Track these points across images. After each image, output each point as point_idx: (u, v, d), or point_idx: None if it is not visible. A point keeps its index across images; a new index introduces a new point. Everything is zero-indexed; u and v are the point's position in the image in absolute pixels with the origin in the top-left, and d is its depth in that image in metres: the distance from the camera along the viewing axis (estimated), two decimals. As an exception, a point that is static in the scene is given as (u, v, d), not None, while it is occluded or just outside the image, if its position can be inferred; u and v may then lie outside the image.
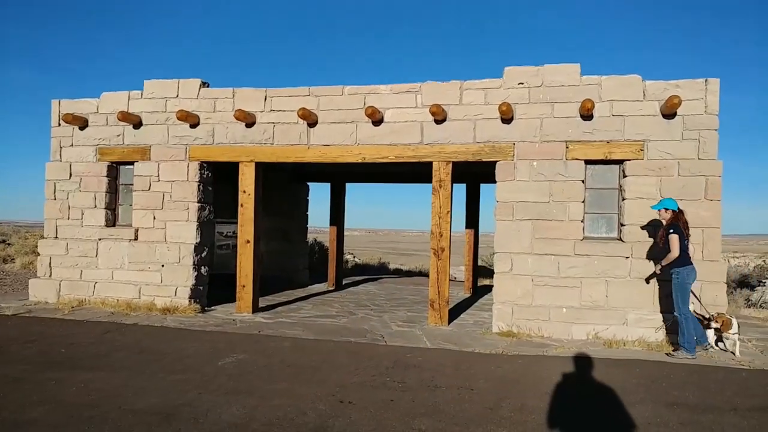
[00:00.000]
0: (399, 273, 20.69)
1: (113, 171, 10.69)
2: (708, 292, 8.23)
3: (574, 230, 8.68)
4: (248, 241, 9.98)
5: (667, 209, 7.74)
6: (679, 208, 7.74)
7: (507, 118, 8.95)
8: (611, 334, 8.40)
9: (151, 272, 10.22)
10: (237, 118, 9.69)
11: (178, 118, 9.87)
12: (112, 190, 10.69)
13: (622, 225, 8.62)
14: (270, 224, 14.48)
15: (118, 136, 10.51)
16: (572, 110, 8.73)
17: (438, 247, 9.25)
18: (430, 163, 9.32)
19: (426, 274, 20.97)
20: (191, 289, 10.02)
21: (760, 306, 18.21)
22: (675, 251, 7.47)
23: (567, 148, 8.75)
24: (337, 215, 14.21)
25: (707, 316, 7.88)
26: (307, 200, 14.96)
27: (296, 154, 9.77)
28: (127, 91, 10.54)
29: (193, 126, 10.18)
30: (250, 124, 9.96)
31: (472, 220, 13.83)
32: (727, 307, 8.27)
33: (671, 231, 7.53)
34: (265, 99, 9.94)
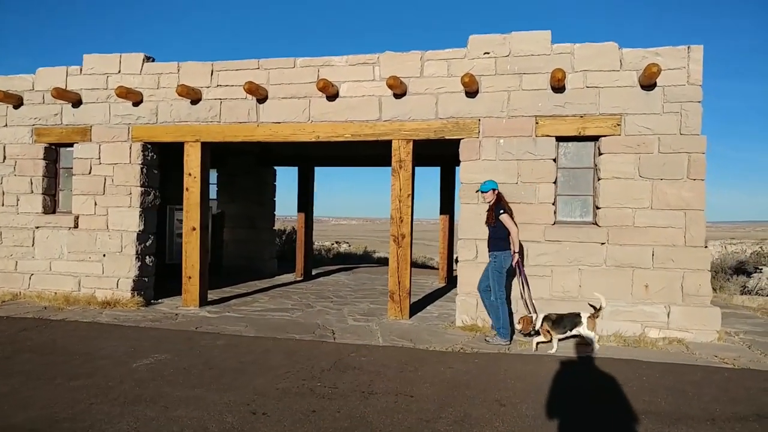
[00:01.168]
0: (382, 262, 19.93)
1: (52, 153, 9.87)
2: (691, 282, 7.47)
3: (544, 214, 7.91)
4: (194, 228, 9.19)
5: (494, 190, 7.40)
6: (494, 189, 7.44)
7: (471, 92, 8.14)
8: (584, 327, 7.64)
9: (91, 263, 9.44)
10: (180, 94, 8.86)
11: (118, 95, 9.04)
12: (51, 174, 9.88)
13: (598, 208, 7.84)
14: (235, 210, 13.70)
15: (56, 115, 9.68)
16: (542, 82, 7.92)
17: (398, 234, 8.47)
18: (391, 143, 8.52)
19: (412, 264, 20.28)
20: (134, 280, 9.24)
21: (756, 293, 17.57)
22: (514, 228, 7.09)
23: (536, 123, 7.95)
24: (305, 201, 13.41)
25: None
26: (274, 185, 14.16)
27: (244, 132, 8.96)
28: (65, 66, 9.70)
29: (136, 104, 9.36)
30: (195, 101, 9.14)
31: (447, 205, 13.07)
32: (711, 297, 7.52)
33: (501, 212, 7.18)
34: (212, 74, 9.11)
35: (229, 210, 13.71)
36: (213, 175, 14.11)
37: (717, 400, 5.06)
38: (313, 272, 14.55)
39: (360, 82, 8.58)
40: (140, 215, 9.31)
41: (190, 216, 9.22)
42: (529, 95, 7.99)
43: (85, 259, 9.46)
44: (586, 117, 7.80)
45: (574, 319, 6.93)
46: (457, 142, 8.27)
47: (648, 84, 7.59)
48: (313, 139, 8.72)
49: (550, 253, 7.85)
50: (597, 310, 6.96)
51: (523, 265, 7.57)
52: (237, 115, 9.00)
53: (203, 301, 9.32)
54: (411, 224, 8.57)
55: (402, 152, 8.44)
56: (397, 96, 8.42)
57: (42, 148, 9.71)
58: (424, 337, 7.38)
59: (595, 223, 7.89)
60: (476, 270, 8.07)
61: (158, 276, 10.71)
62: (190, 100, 9.12)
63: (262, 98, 8.87)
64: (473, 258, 8.11)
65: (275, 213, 14.15)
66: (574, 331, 6.92)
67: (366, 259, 21.01)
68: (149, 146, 9.47)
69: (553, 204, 7.94)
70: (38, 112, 9.75)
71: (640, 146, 7.64)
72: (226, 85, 8.99)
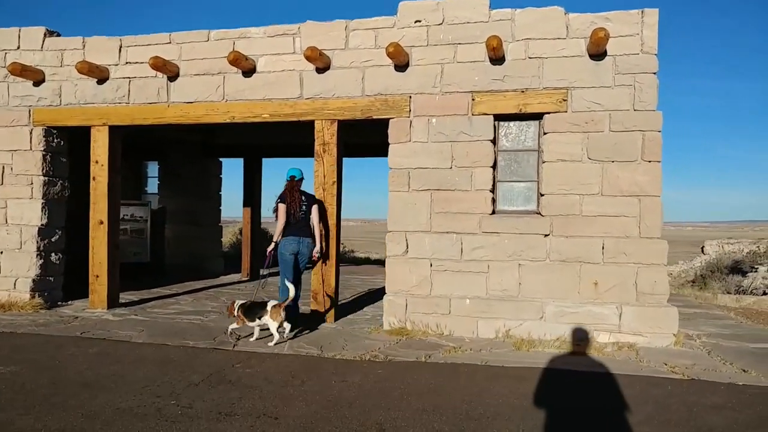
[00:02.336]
0: (358, 262, 18.95)
1: (-51, 140, 8.91)
2: (645, 278, 6.53)
3: (481, 202, 6.96)
4: (101, 222, 8.24)
5: (293, 177, 7.22)
6: (293, 176, 7.25)
7: (400, 65, 7.20)
8: (525, 331, 6.70)
9: (-11, 260, 8.50)
10: (82, 72, 7.91)
11: (12, 72, 8.10)
12: (-51, 162, 8.92)
13: (541, 195, 6.90)
14: (177, 206, 12.76)
15: (-49, 97, 8.74)
16: (479, 53, 6.98)
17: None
18: (314, 124, 7.57)
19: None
20: (34, 280, 8.29)
21: (750, 292, 16.65)
22: (278, 221, 7.09)
23: (473, 100, 7.01)
24: (251, 195, 12.46)
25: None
26: (220, 178, 13.20)
27: (154, 114, 8.01)
28: (-37, 42, 8.76)
29: (37, 84, 8.41)
30: (102, 80, 8.19)
31: (250, 198, 12.59)
32: (668, 295, 6.58)
33: (279, 200, 7.09)
34: (120, 49, 8.16)
35: (171, 205, 12.76)
36: (154, 168, 13.18)
37: (649, 421, 4.11)
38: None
39: (279, 56, 7.63)
40: (43, 208, 8.37)
41: (97, 208, 8.26)
42: (464, 68, 7.05)
43: (-18, 256, 8.51)
44: (528, 92, 6.86)
45: (263, 308, 6.40)
46: (384, 122, 7.33)
47: (597, 53, 6.65)
48: (228, 120, 7.77)
49: (487, 247, 6.91)
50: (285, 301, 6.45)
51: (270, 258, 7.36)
52: (147, 95, 8.05)
53: (113, 303, 8.36)
54: (338, 216, 7.62)
55: (326, 134, 7.50)
56: (320, 71, 7.48)
57: (-64, 133, 8.76)
58: (339, 343, 6.44)
59: (539, 213, 6.95)
60: (406, 266, 7.13)
61: (83, 275, 9.89)
62: (96, 80, 8.18)
63: (172, 75, 7.93)
64: (403, 253, 7.17)
65: (221, 208, 13.20)
66: (263, 320, 6.39)
67: (343, 259, 20.00)
68: (54, 131, 8.53)
69: (492, 191, 7.00)
70: (-67, 94, 8.81)
71: (589, 124, 6.70)
72: (136, 62, 8.04)
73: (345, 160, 8.23)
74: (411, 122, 7.18)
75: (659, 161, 6.57)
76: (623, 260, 6.59)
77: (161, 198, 12.90)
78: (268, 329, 6.42)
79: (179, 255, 12.71)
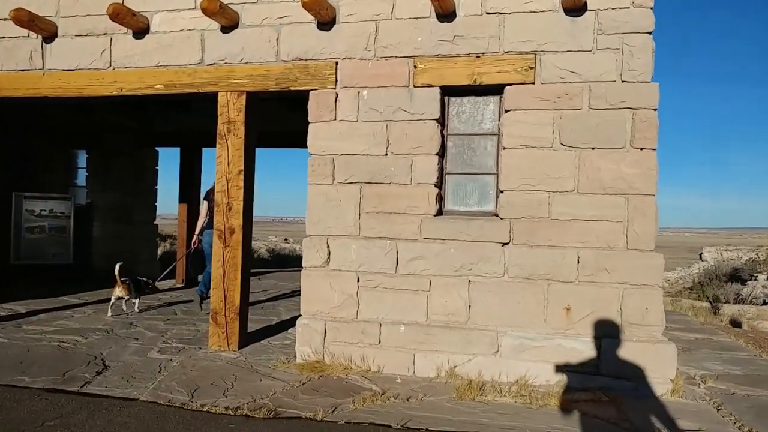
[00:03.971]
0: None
1: None
2: (634, 304, 4.93)
3: (422, 200, 5.37)
4: (-36, 217, 6.67)
5: None
6: None
7: (325, 21, 5.61)
8: (475, 369, 5.11)
9: None
10: (-65, 29, 6.35)
11: None
12: None
13: (501, 191, 5.31)
14: (108, 201, 11.16)
15: None
16: (423, 6, 5.39)
17: (225, 227, 5.93)
18: (217, 97, 5.99)
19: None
20: None
21: (750, 302, 15.24)
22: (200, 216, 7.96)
23: (415, 68, 5.42)
24: (188, 189, 10.85)
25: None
26: (156, 170, 11.56)
27: (27, 84, 6.42)
28: None
29: None
30: (-35, 41, 6.62)
31: (188, 192, 11.00)
32: (663, 327, 4.97)
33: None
34: (-12, 3, 6.60)
35: (100, 200, 11.16)
36: (83, 158, 11.58)
37: None
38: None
39: (178, 12, 6.04)
40: None
41: (-41, 200, 6.69)
42: (404, 26, 5.46)
43: None
44: (484, 57, 5.27)
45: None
46: (305, 96, 5.75)
47: (573, 7, 5.06)
48: (115, 93, 6.18)
49: (429, 258, 5.31)
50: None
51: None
52: (17, 59, 6.47)
53: (-22, 317, 6.79)
54: (247, 214, 6.02)
55: (232, 109, 5.90)
56: (226, 30, 5.89)
57: None
58: (224, 384, 4.84)
59: (496, 214, 5.35)
60: (326, 281, 5.54)
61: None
62: (-41, 40, 6.61)
63: (49, 36, 6.35)
64: (323, 263, 5.57)
65: (156, 204, 11.58)
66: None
67: (287, 261, 18.46)
68: None
69: (438, 186, 5.41)
70: None
71: (562, 99, 5.11)
72: (5, 19, 6.45)
73: (294, 150, 6.68)
74: (337, 95, 5.59)
75: (654, 149, 4.97)
76: (605, 279, 4.99)
77: (90, 192, 11.29)
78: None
79: (108, 256, 11.08)
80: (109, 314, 7.52)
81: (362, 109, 5.52)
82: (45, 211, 10.54)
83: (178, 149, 10.96)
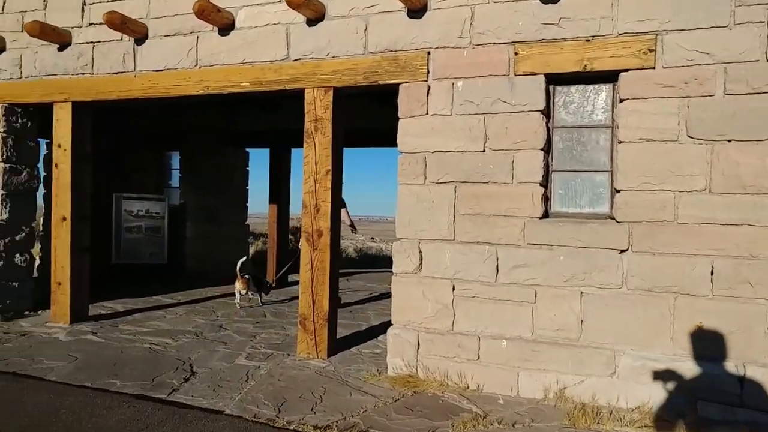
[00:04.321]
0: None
1: None
2: (779, 322, 4.19)
3: (526, 200, 4.85)
4: (64, 219, 6.79)
5: None
6: None
7: (416, 9, 5.18)
8: (588, 392, 4.54)
9: (-53, 262, 7.28)
10: (34, 35, 6.44)
11: (-38, 39, 6.80)
12: None
13: (617, 191, 4.69)
14: (198, 201, 11.30)
15: None
16: (526, -15, 4.85)
17: (313, 230, 5.65)
18: (303, 93, 5.71)
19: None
20: (-9, 286, 6.98)
21: None
22: None
23: (515, 54, 4.89)
24: (277, 190, 10.77)
25: None
26: (246, 170, 11.56)
27: (120, 86, 6.44)
28: (-73, 10, 7.58)
29: (-1, 53, 7.09)
30: (63, 46, 6.72)
31: (276, 192, 10.76)
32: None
33: None
34: (83, 7, 6.66)
35: (192, 201, 11.32)
36: (176, 159, 11.80)
37: None
38: (296, 277, 11.89)
39: (262, 6, 5.81)
40: (3, 200, 7.03)
41: (59, 201, 6.82)
42: (503, 10, 4.94)
43: (-59, 257, 7.31)
44: (595, 41, 4.66)
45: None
46: (395, 90, 5.36)
47: (705, -25, 4.36)
48: (201, 92, 6.05)
49: (534, 265, 4.78)
50: None
51: None
52: (111, 63, 6.50)
53: (78, 316, 6.89)
54: (335, 216, 5.72)
55: (319, 107, 5.61)
56: (311, 22, 5.60)
57: None
58: (313, 397, 4.55)
59: (612, 217, 4.74)
60: (418, 289, 5.14)
61: (101, 278, 9.18)
62: (57, 46, 6.73)
63: (140, 38, 6.32)
64: (414, 269, 5.17)
65: (247, 205, 11.58)
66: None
67: (374, 261, 18.12)
68: (18, 110, 7.17)
69: (543, 185, 4.86)
70: None
71: (690, 85, 4.42)
72: (100, 23, 6.47)
73: (384, 149, 6.36)
74: (429, 88, 5.16)
75: (808, 140, 4.20)
76: (747, 293, 4.27)
77: (182, 193, 11.49)
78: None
79: (200, 257, 11.26)
80: (238, 306, 8.25)
81: (457, 101, 5.06)
82: (142, 211, 10.80)
83: (268, 150, 10.90)
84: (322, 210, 5.62)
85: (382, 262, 17.35)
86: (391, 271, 5.34)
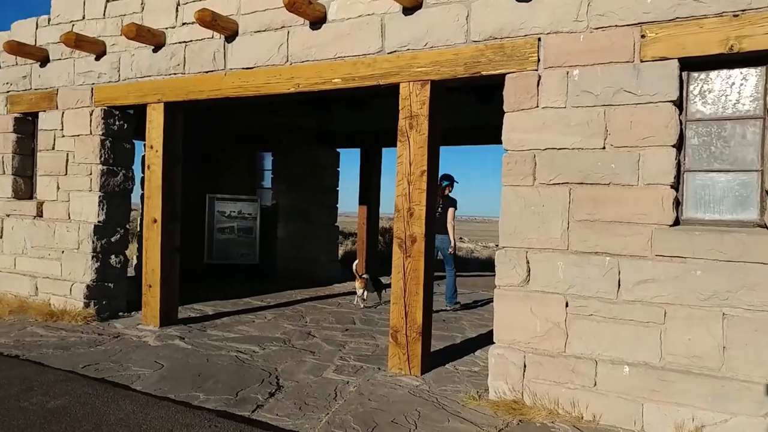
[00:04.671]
0: (486, 266, 16.23)
1: (26, 126, 8.04)
2: None
3: (654, 205, 4.18)
4: (155, 221, 6.75)
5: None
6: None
7: (525, -11, 4.65)
8: (732, 432, 3.82)
9: (50, 261, 7.44)
10: (130, 36, 6.40)
11: (65, 43, 6.89)
12: (26, 151, 8.07)
13: (768, 194, 3.94)
14: (289, 202, 11.20)
15: (25, 77, 7.86)
16: (656, -44, 4.19)
17: (406, 235, 5.22)
18: (398, 89, 5.30)
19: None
20: (88, 286, 7.04)
21: None
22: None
23: (642, 37, 4.24)
24: (368, 191, 10.48)
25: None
26: (337, 171, 11.31)
27: (209, 86, 6.30)
28: (35, 17, 7.84)
29: (98, 57, 7.17)
30: (157, 47, 6.69)
31: (366, 192, 10.75)
32: None
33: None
34: (177, 7, 6.59)
35: (283, 202, 11.23)
36: (268, 160, 11.77)
37: None
38: (385, 280, 11.53)
39: (356, -4, 5.47)
40: (101, 202, 7.10)
41: (151, 203, 6.79)
42: (629, -15, 4.30)
43: (45, 256, 7.50)
44: (746, 15, 3.94)
45: None
46: (498, 81, 4.83)
47: None
48: (292, 89, 5.78)
49: (663, 281, 4.10)
50: None
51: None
52: (202, 62, 6.38)
53: (168, 319, 6.84)
54: (429, 220, 5.26)
55: (414, 102, 5.18)
56: (408, 11, 5.18)
57: (12, 119, 7.93)
58: (406, 422, 4.11)
59: (763, 225, 3.98)
60: (526, 305, 4.58)
61: (192, 278, 9.40)
62: (152, 47, 6.71)
63: (230, 35, 6.15)
64: (521, 282, 4.61)
65: (338, 205, 11.35)
66: None
67: (489, 266, 17.40)
68: (116, 112, 7.24)
69: (675, 187, 4.18)
70: (10, 76, 8.02)
71: None
72: (192, 23, 6.37)
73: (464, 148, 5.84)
74: (539, 78, 4.60)
75: None
76: None
77: (274, 193, 11.43)
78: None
79: (287, 258, 11.15)
80: (361, 305, 8.58)
81: (572, 92, 4.47)
82: (234, 212, 10.83)
83: (354, 150, 10.64)
84: (416, 214, 5.17)
85: (473, 265, 16.75)
86: (485, 275, 4.82)
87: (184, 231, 7.24)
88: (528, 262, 4.61)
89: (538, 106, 4.61)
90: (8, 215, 7.93)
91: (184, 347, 5.93)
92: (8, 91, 8.03)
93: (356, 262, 8.67)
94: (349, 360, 5.65)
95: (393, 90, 5.36)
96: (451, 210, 8.17)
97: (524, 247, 4.63)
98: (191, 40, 6.44)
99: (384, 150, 10.57)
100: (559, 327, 4.45)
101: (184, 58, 6.49)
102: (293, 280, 10.60)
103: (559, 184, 4.52)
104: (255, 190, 11.76)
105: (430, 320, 5.37)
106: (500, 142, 4.85)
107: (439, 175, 6.88)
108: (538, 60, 4.63)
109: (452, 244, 8.25)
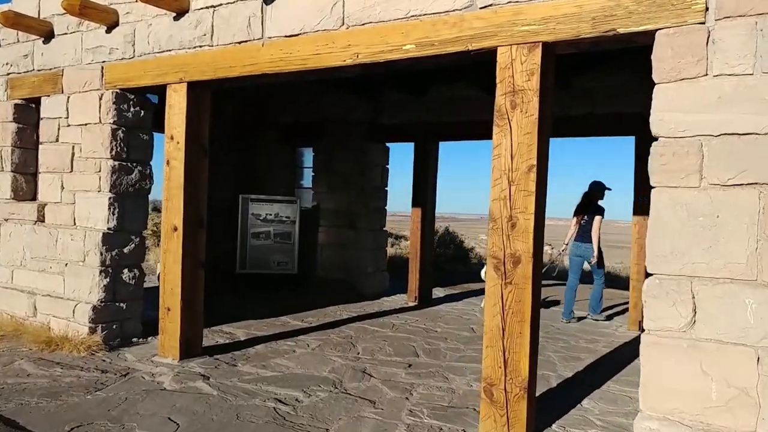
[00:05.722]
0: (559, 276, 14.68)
1: (29, 113, 6.87)
2: None
3: None
4: (175, 229, 5.49)
5: None
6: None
7: None
8: None
9: (51, 275, 6.27)
10: (149, 1, 5.21)
11: (68, 10, 5.65)
12: (28, 143, 6.91)
13: None
14: (331, 204, 9.91)
15: (26, 57, 6.69)
16: None
17: (506, 254, 3.85)
18: (494, 55, 3.94)
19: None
20: (95, 308, 5.81)
21: None
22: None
23: None
24: (422, 191, 9.11)
25: None
26: (386, 168, 9.92)
27: (243, 59, 5.01)
28: (39, -14, 6.67)
29: (110, 29, 5.95)
30: (179, 14, 5.43)
31: (422, 193, 9.22)
32: None
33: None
34: (203, -36, 5.34)
35: (325, 203, 9.95)
36: (309, 156, 10.49)
37: None
38: (442, 293, 10.20)
39: (435, -66, 4.12)
40: (111, 205, 5.89)
41: (171, 207, 5.54)
42: None
43: (46, 269, 6.32)
44: None
45: None
46: (645, 44, 3.44)
47: None
48: (349, 61, 4.46)
49: None
50: None
51: None
52: (234, 30, 5.10)
53: (191, 349, 5.57)
54: (538, 234, 3.88)
55: (518, 73, 3.80)
56: (510, -51, 3.81)
57: (11, 106, 6.78)
58: None
59: None
60: (692, 359, 3.17)
61: (222, 290, 8.58)
62: (173, 14, 5.46)
63: (269, -6, 4.87)
64: (683, 326, 3.20)
65: (386, 208, 9.99)
66: None
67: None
68: (130, 96, 6.03)
69: None
70: (11, 55, 6.87)
71: None
72: (222, -19, 5.11)
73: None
74: (709, 33, 3.19)
75: None
76: None
77: (315, 194, 10.14)
78: None
79: (329, 268, 9.86)
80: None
81: (762, 52, 3.05)
82: (271, 215, 9.59)
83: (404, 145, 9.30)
84: (520, 225, 3.80)
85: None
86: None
87: (213, 236, 6.00)
88: (694, 297, 3.20)
89: (707, 74, 3.21)
90: (6, 219, 6.78)
91: (208, 392, 4.64)
92: (8, 74, 6.88)
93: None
94: (422, 417, 4.29)
95: (484, 57, 4.00)
96: (597, 218, 7.90)
97: (687, 276, 3.22)
98: (220, 4, 5.17)
99: (441, 145, 9.21)
100: (747, 395, 3.04)
101: (212, 26, 5.22)
102: (336, 293, 9.31)
103: (742, 185, 3.10)
104: (293, 190, 10.51)
105: (536, 371, 3.98)
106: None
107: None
108: (706, 9, 3.22)
109: (594, 254, 7.90)
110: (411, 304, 9.10)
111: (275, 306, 8.23)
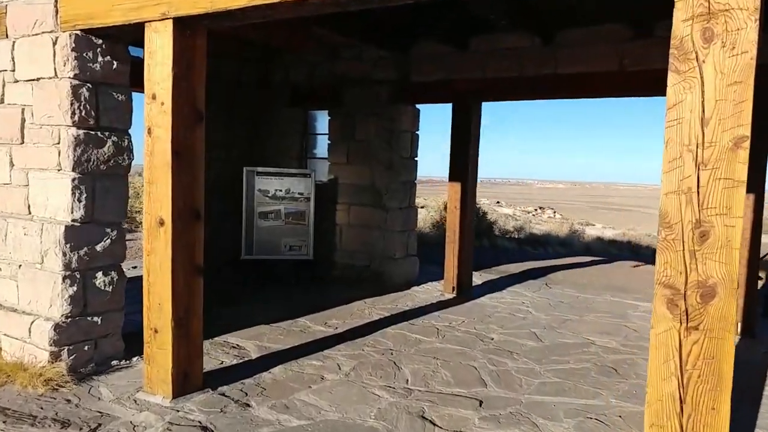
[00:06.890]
0: (598, 251, 13.31)
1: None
2: None
3: None
4: (162, 222, 4.00)
5: None
6: None
7: None
8: None
9: (2, 279, 4.81)
10: None
11: None
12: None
13: None
14: (351, 178, 8.38)
15: (-38, -9, 5.11)
16: None
17: (688, 282, 2.37)
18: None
19: (647, 251, 13.36)
20: (58, 326, 4.35)
21: None
22: None
23: None
24: (461, 161, 7.58)
25: None
26: (416, 135, 8.35)
27: (251, -19, 3.45)
28: None
29: (66, -52, 4.36)
30: None
31: (461, 166, 7.66)
32: None
33: None
34: None
35: (344, 176, 8.42)
36: (323, 121, 8.91)
37: None
38: (479, 279, 8.74)
39: None
40: (75, 189, 4.39)
41: (154, 193, 4.03)
42: None
43: (-5, 271, 4.85)
44: None
45: None
46: None
47: None
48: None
49: None
50: None
51: None
52: (236, -63, 3.52)
53: (187, 383, 4.14)
54: (751, 248, 2.39)
55: (720, -18, 2.27)
56: None
57: (-53, 57, 5.22)
58: None
59: None
60: None
61: (226, 281, 7.40)
62: None
63: None
64: None
65: (416, 181, 8.47)
66: None
67: (569, 244, 14.45)
68: (97, 41, 4.47)
69: None
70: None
71: None
72: None
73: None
74: None
75: None
76: None
77: (332, 166, 8.59)
78: None
79: (354, 251, 8.40)
80: None
81: None
82: (281, 191, 8.08)
83: (444, 106, 7.73)
84: (717, 236, 2.31)
85: (552, 244, 13.98)
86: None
87: (214, 216, 4.53)
88: None
89: None
90: (-51, 205, 5.28)
91: (209, 464, 3.23)
92: (-56, 16, 5.29)
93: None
94: None
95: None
96: None
97: None
98: None
99: (485, 106, 7.66)
100: None
101: (204, -66, 3.64)
102: (359, 283, 7.90)
103: None
104: (304, 162, 8.97)
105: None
106: None
107: None
108: None
109: None
110: (448, 296, 7.67)
111: (289, 301, 6.86)
